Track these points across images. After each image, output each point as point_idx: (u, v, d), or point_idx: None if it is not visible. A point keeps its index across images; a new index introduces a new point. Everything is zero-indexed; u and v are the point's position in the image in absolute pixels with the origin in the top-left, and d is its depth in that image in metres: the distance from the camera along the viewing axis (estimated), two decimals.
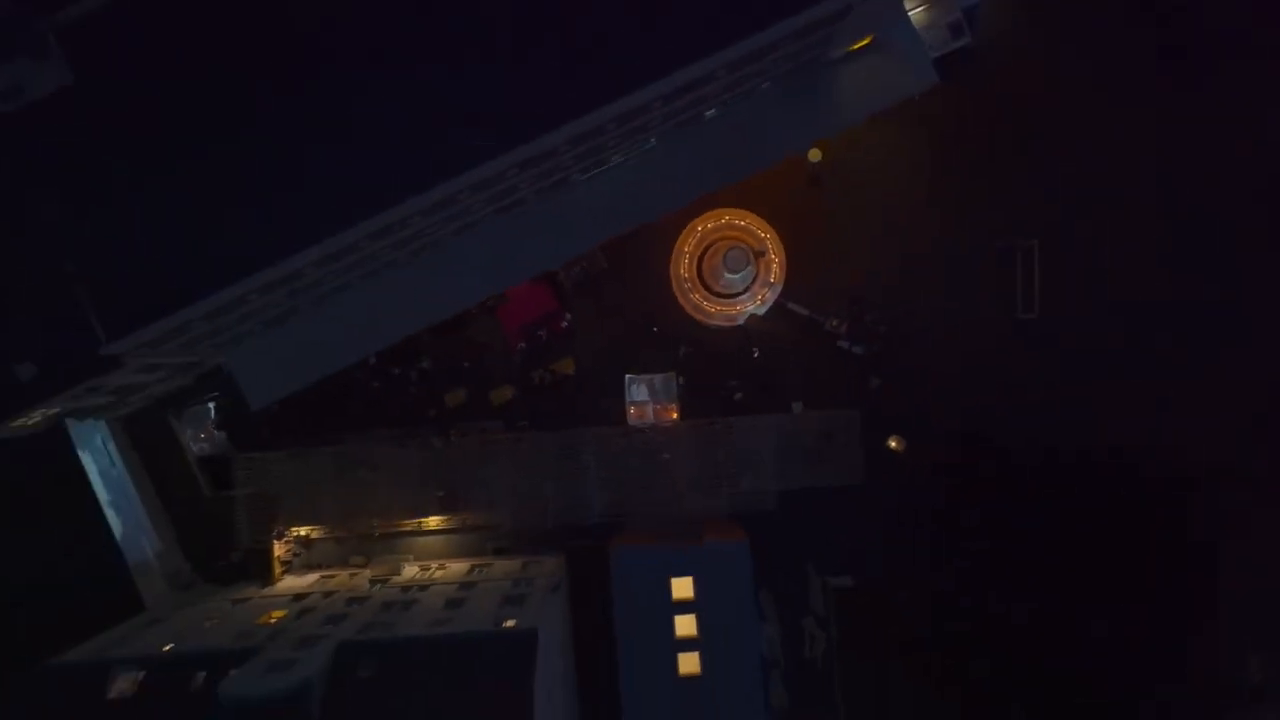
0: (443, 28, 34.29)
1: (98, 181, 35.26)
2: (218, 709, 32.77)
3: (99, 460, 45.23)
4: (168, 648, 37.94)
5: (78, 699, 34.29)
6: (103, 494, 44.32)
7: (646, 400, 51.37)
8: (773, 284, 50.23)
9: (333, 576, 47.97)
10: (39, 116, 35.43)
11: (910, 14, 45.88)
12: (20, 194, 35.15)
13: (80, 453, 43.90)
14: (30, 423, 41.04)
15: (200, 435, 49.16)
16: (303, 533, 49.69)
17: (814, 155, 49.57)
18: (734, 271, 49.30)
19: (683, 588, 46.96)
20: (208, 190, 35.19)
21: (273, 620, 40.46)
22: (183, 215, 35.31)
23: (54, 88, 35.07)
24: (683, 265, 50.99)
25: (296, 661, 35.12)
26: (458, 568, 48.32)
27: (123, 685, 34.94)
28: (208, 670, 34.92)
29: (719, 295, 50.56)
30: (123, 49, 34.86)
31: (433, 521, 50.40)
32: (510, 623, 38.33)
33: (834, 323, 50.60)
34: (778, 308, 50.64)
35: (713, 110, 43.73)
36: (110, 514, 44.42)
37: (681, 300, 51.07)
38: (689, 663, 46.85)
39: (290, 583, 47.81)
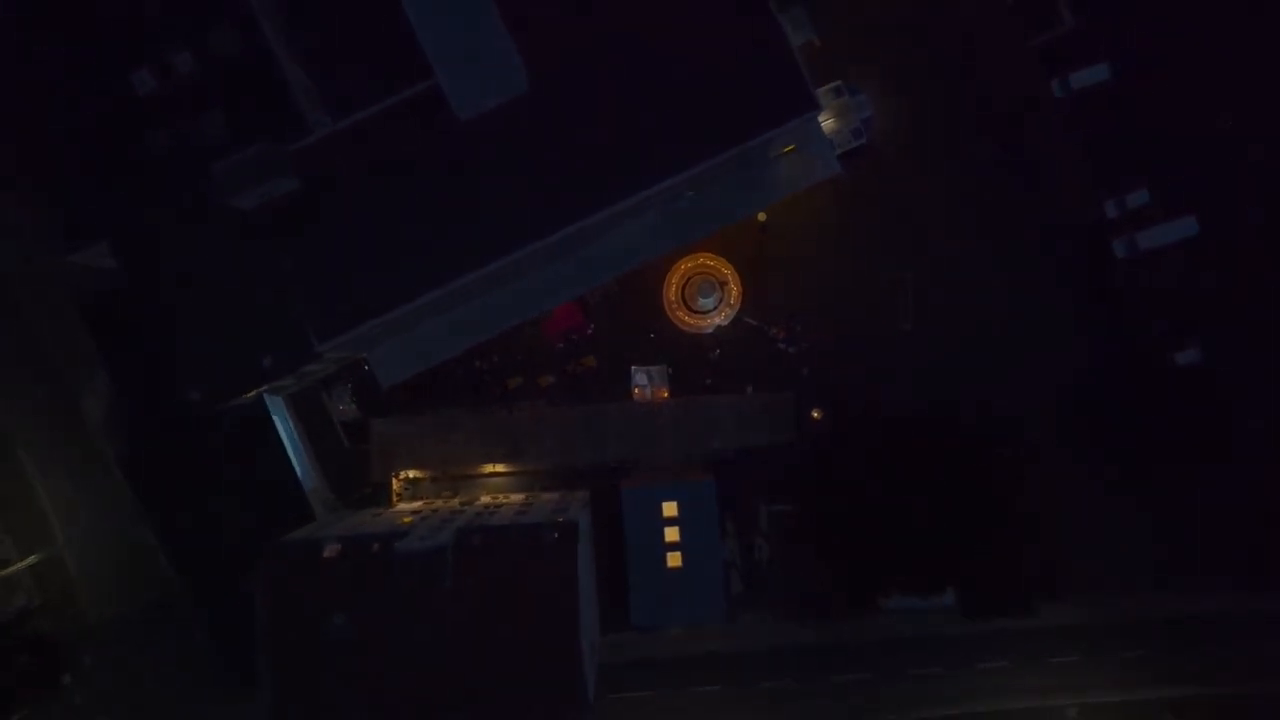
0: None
1: (313, 243, 57.53)
2: (394, 557, 55.27)
3: (281, 422, 67.52)
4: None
5: (305, 556, 56.81)
6: (287, 445, 66.74)
7: (646, 384, 73.64)
8: (733, 304, 72.47)
9: (433, 502, 70.24)
10: (274, 209, 57.71)
11: (821, 124, 68.22)
12: (265, 252, 57.26)
13: (274, 417, 66.34)
14: (249, 396, 63.29)
15: (341, 406, 71.51)
16: (411, 474, 72.01)
17: (761, 217, 71.87)
18: (705, 296, 71.78)
19: (670, 509, 68.99)
20: (381, 248, 57.46)
21: (407, 521, 62.72)
22: (364, 265, 57.62)
23: (285, 190, 57.34)
24: (671, 291, 73.18)
25: (434, 537, 57.50)
26: (517, 497, 70.69)
27: (330, 551, 57.36)
28: (380, 542, 57.39)
29: (695, 312, 72.81)
30: (333, 163, 57.00)
31: (499, 467, 72.82)
32: (560, 519, 60.71)
33: (775, 330, 73.03)
34: (736, 320, 73.06)
35: (690, 193, 66.01)
36: (292, 458, 66.82)
37: (670, 316, 73.27)
38: (674, 559, 68.97)
39: (403, 506, 70.10)
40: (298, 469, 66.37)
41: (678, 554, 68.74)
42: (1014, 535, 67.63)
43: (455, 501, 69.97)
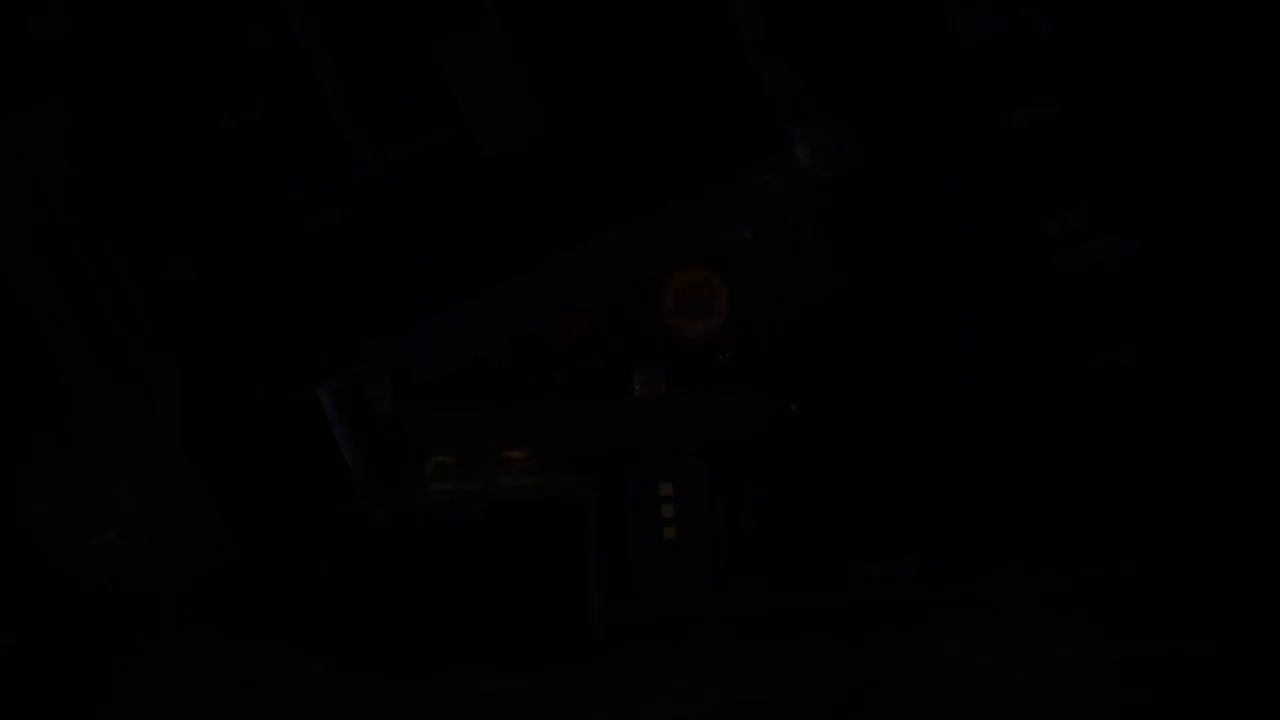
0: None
1: (362, 256, 67.53)
2: (433, 526, 65.39)
3: (329, 413, 77.58)
4: None
5: (356, 525, 67.08)
6: (337, 433, 76.85)
7: (646, 382, 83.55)
8: (722, 311, 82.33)
9: (461, 483, 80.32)
10: (327, 229, 67.96)
11: (797, 158, 78.12)
12: (321, 264, 67.33)
13: (323, 408, 76.47)
14: (305, 390, 73.45)
15: (379, 399, 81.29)
16: (441, 459, 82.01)
17: (747, 235, 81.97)
18: (699, 304, 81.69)
19: (667, 489, 79.31)
20: (419, 261, 67.54)
21: (440, 498, 72.86)
22: (406, 275, 67.68)
23: (337, 214, 67.41)
24: (669, 299, 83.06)
25: (464, 511, 67.75)
26: (535, 479, 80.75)
27: (379, 521, 67.61)
28: (420, 514, 67.59)
29: (690, 318, 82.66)
30: (377, 190, 66.93)
31: (518, 453, 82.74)
32: (572, 496, 70.95)
33: (760, 335, 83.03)
34: (726, 326, 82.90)
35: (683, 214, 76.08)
36: (339, 444, 76.92)
37: (668, 321, 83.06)
38: (669, 533, 79.18)
39: (435, 487, 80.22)
40: (344, 453, 76.52)
41: (673, 528, 79.05)
42: (967, 510, 77.82)
43: (476, 484, 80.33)
